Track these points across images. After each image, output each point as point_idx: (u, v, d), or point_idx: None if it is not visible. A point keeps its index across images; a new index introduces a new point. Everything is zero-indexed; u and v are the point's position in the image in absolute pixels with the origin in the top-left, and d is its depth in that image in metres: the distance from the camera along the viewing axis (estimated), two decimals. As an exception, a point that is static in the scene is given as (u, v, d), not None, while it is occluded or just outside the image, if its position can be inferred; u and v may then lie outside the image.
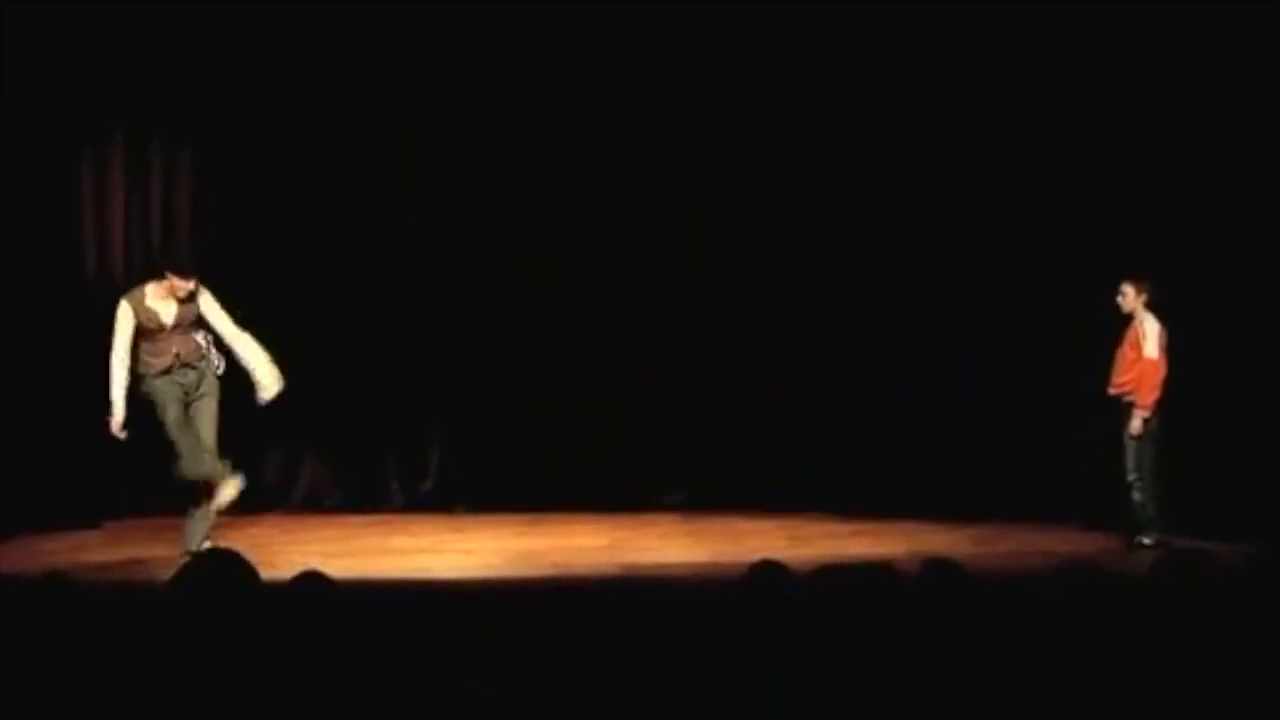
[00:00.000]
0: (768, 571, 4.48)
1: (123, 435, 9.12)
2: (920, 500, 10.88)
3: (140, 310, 9.19)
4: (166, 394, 9.15)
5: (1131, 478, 9.57)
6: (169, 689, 3.84)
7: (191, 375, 9.25)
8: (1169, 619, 4.37)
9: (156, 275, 9.36)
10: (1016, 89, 10.96)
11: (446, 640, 4.84)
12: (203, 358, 9.28)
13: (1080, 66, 10.68)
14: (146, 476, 9.88)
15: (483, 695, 4.22)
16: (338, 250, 11.81)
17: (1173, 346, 9.59)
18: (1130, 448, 9.57)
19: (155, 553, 9.24)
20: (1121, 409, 9.64)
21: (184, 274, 9.25)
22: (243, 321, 10.87)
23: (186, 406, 9.22)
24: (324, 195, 11.77)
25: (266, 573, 4.44)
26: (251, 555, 4.44)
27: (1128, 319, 9.68)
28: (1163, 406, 9.56)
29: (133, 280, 10.03)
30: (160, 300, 9.24)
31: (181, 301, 9.22)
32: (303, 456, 12.09)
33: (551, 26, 11.60)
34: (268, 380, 9.42)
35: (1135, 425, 9.53)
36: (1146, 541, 9.45)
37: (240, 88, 11.54)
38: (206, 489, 9.14)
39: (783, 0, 11.45)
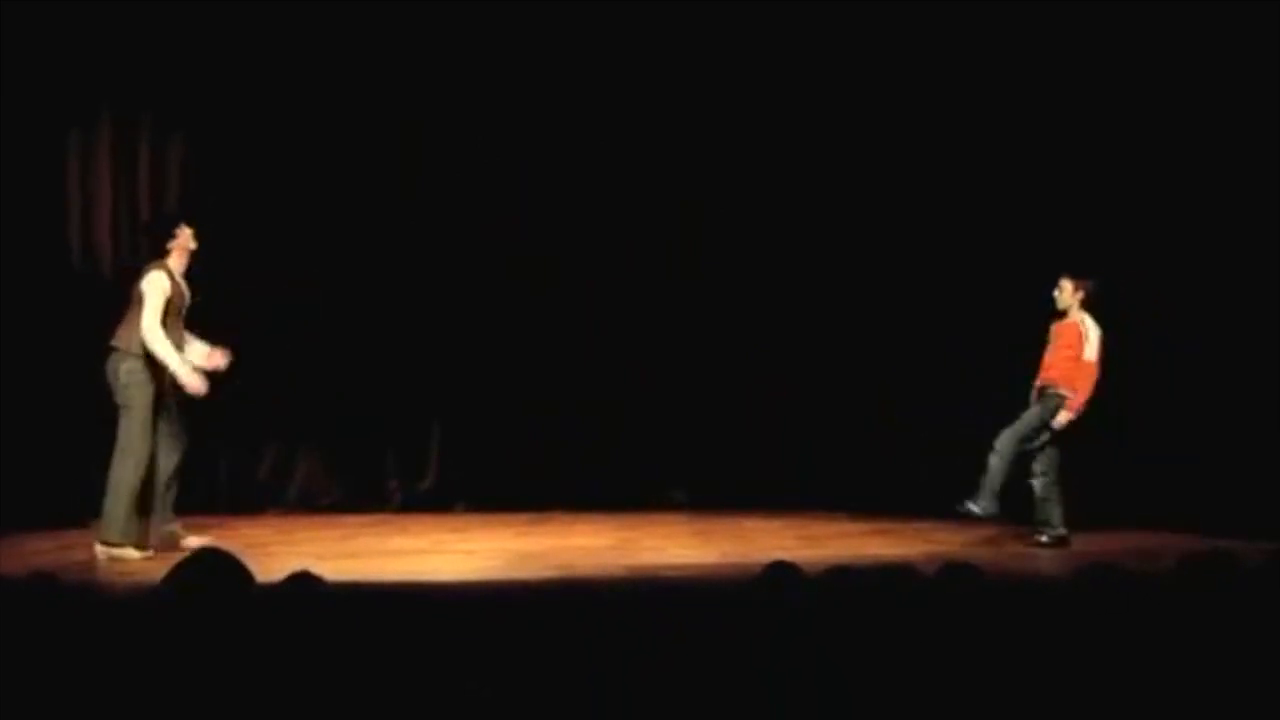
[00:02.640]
0: (782, 573, 4.48)
1: (205, 386, 9.03)
2: (930, 500, 10.90)
3: (174, 283, 9.07)
4: (148, 390, 9.01)
5: (1038, 469, 9.59)
6: (157, 690, 3.83)
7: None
8: (1192, 619, 4.37)
9: (159, 255, 9.22)
10: (1016, 88, 11.06)
11: (446, 644, 4.82)
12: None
13: (1083, 71, 10.80)
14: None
15: (483, 701, 4.20)
16: (334, 245, 11.80)
17: (1109, 353, 9.62)
18: (1044, 440, 9.58)
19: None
20: (1044, 398, 9.63)
21: (177, 226, 9.19)
22: (237, 318, 10.88)
23: (158, 402, 9.05)
24: (321, 189, 11.75)
25: (261, 575, 4.44)
26: (246, 556, 4.44)
27: (1059, 315, 9.74)
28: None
29: (121, 274, 10.03)
30: (181, 277, 9.17)
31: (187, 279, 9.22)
32: (299, 454, 12.07)
33: (551, 27, 11.63)
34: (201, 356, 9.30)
35: (1060, 419, 9.53)
36: (1044, 539, 9.51)
37: (235, 75, 11.50)
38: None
39: (783, 0, 11.49)
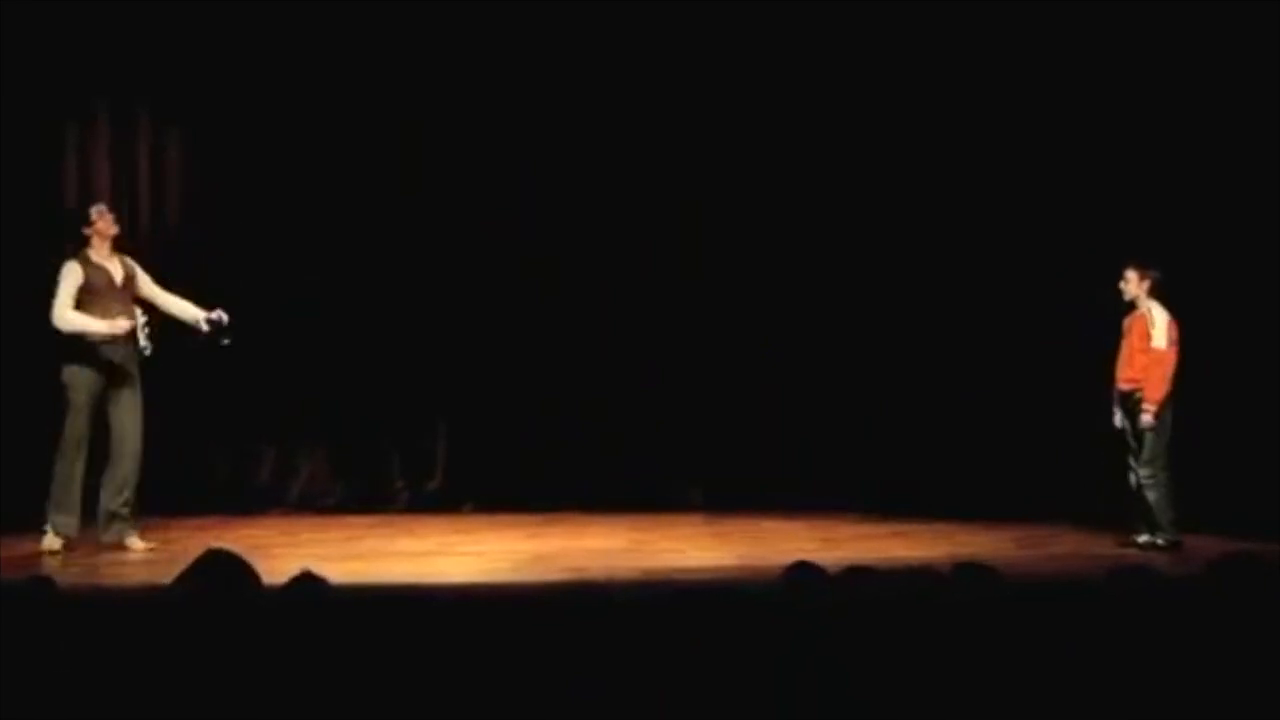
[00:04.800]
0: (804, 575, 4.48)
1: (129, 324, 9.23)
2: (954, 501, 10.90)
3: (87, 267, 9.28)
4: (84, 383, 9.25)
5: (1144, 473, 9.60)
6: (157, 696, 3.85)
7: (121, 353, 9.32)
8: (1225, 622, 4.37)
9: (82, 243, 9.44)
10: (1015, 83, 11.14)
11: (454, 649, 4.83)
12: (135, 334, 9.36)
13: (1079, 55, 10.88)
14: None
15: (492, 708, 4.21)
16: (339, 241, 11.82)
17: (1185, 338, 9.64)
18: (1146, 444, 9.60)
19: (137, 553, 9.29)
20: (1132, 404, 9.67)
21: (102, 212, 9.44)
22: (240, 313, 10.91)
23: (102, 395, 9.30)
24: (324, 185, 11.77)
25: (266, 577, 4.45)
26: (249, 558, 4.45)
27: (1130, 308, 9.75)
28: (1173, 398, 9.60)
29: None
30: (103, 259, 9.37)
31: (120, 260, 9.39)
32: (301, 454, 12.09)
33: (552, 27, 11.68)
34: (203, 314, 9.54)
35: (1145, 420, 9.57)
36: (1160, 542, 9.51)
37: (235, 70, 11.51)
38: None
39: (783, 0, 11.53)
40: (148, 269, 9.61)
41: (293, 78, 11.62)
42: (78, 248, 9.44)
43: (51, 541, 9.27)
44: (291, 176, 11.73)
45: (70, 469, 9.31)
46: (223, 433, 11.69)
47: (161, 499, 10.59)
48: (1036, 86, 11.06)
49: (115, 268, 9.41)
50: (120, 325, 9.21)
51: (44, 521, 9.30)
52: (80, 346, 9.25)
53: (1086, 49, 10.85)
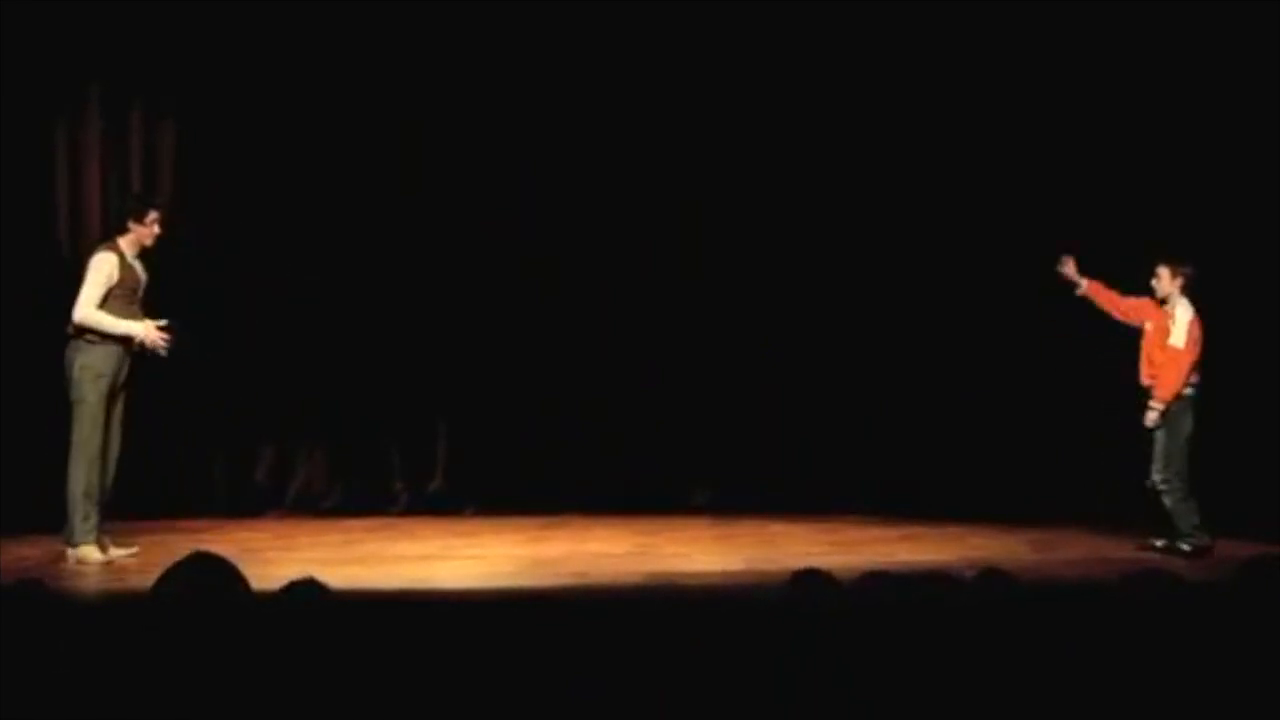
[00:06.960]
0: (812, 581, 4.43)
1: (165, 338, 9.04)
2: (962, 502, 10.89)
3: (123, 264, 9.11)
4: (101, 384, 9.02)
5: (1157, 478, 9.56)
6: (146, 703, 3.81)
7: (128, 358, 9.17)
8: (1246, 627, 4.32)
9: (118, 232, 9.27)
10: (1015, 81, 11.21)
11: (455, 656, 4.79)
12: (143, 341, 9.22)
13: (1082, 52, 10.96)
14: (123, 479, 9.77)
15: (494, 716, 4.17)
16: (336, 238, 11.79)
17: (1209, 337, 9.59)
18: (1158, 445, 9.55)
19: (133, 558, 9.23)
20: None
21: (158, 219, 9.20)
22: (235, 311, 10.90)
23: (110, 397, 9.11)
24: (323, 180, 11.74)
25: (260, 582, 4.39)
26: (244, 562, 4.39)
27: (1160, 304, 9.73)
28: (1195, 400, 9.55)
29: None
30: (133, 259, 9.20)
31: (145, 264, 9.24)
32: (298, 454, 12.05)
33: (551, 27, 11.66)
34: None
35: (1150, 418, 9.55)
36: (1185, 547, 9.45)
37: (230, 61, 11.48)
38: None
39: (783, 0, 11.56)
40: None
41: (291, 75, 11.60)
42: (112, 238, 9.26)
43: (93, 553, 9.04)
44: (290, 175, 11.70)
45: (93, 476, 9.02)
46: (220, 433, 11.64)
47: (157, 501, 10.58)
48: (1036, 84, 11.13)
49: (141, 271, 9.24)
50: (141, 329, 8.99)
51: (74, 533, 9.03)
52: (96, 347, 9.01)
53: (1089, 47, 10.90)
